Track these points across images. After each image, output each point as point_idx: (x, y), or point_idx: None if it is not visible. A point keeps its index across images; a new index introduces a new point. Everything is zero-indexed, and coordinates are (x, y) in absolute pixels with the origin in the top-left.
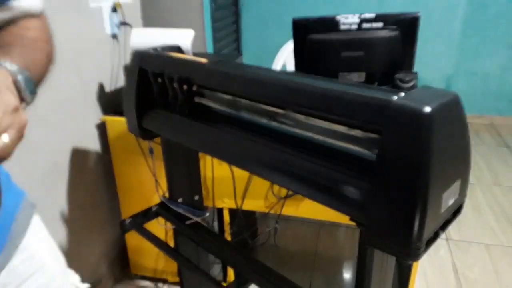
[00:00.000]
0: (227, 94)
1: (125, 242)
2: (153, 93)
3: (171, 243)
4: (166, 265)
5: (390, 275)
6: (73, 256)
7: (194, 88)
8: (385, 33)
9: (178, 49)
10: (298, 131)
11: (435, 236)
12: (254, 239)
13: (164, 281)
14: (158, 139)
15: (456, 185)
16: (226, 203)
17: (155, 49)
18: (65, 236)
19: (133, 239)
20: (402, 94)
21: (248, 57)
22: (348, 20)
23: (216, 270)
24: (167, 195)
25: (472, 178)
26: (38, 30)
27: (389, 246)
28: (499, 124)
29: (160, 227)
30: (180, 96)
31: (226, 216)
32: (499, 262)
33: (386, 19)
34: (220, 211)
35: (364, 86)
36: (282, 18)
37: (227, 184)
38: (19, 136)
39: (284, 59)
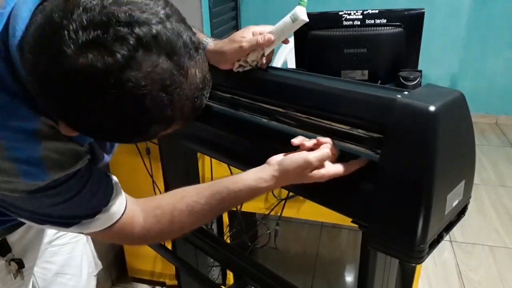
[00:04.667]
0: (226, 92)
1: (122, 245)
2: None
3: (169, 246)
4: (163, 268)
5: (393, 277)
6: None
7: None
8: (389, 30)
9: None
10: (299, 130)
11: (439, 238)
12: (254, 242)
13: (162, 285)
14: (155, 139)
15: (461, 186)
16: None
17: None
18: None
19: None
20: (406, 92)
21: None
22: (351, 16)
23: (215, 273)
24: None
25: (476, 179)
26: None
27: (392, 249)
28: (505, 123)
29: None
30: None
31: (225, 218)
32: (504, 264)
33: (390, 15)
34: None
35: (367, 84)
36: (283, 14)
37: None
38: None
39: (285, 56)
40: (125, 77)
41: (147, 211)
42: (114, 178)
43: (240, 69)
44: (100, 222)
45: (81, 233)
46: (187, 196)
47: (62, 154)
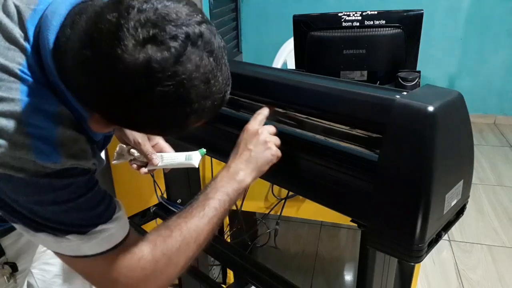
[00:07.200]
0: None
1: None
2: None
3: None
4: None
5: (391, 277)
6: None
7: None
8: (388, 31)
9: None
10: (298, 130)
11: (437, 237)
12: (254, 241)
13: None
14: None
15: (459, 185)
16: None
17: None
18: None
19: None
20: (405, 93)
21: (248, 55)
22: (350, 17)
23: (215, 272)
24: (165, 195)
25: (475, 179)
26: None
27: (390, 248)
28: (503, 123)
29: None
30: None
31: (226, 217)
32: (502, 263)
33: (389, 16)
34: None
35: (366, 85)
36: (283, 15)
37: None
38: None
39: (285, 57)
40: (180, 70)
41: (152, 237)
42: (118, 200)
43: (117, 159)
44: (102, 239)
45: (75, 257)
46: (188, 220)
47: (75, 144)
